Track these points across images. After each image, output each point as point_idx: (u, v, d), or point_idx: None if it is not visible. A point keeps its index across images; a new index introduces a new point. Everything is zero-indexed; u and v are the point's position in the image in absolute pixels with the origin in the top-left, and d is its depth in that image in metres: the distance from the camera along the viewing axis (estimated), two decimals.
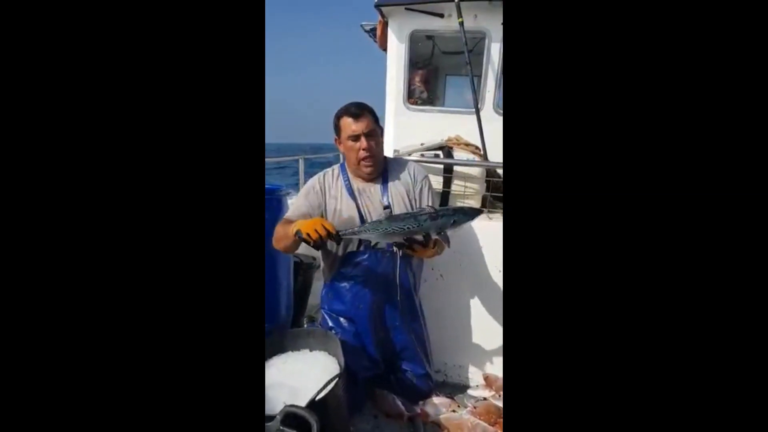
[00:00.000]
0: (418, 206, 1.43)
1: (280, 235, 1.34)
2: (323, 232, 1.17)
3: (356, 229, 1.27)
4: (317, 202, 1.42)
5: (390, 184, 1.43)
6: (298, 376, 1.18)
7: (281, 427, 0.91)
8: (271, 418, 0.94)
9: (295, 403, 0.95)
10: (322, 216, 1.41)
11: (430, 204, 1.42)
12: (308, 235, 1.17)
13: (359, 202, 1.41)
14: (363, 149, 1.35)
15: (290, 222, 1.34)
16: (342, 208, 1.40)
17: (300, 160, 2.85)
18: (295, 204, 1.45)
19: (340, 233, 1.22)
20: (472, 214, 1.29)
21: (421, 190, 1.45)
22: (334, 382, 1.07)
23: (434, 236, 1.25)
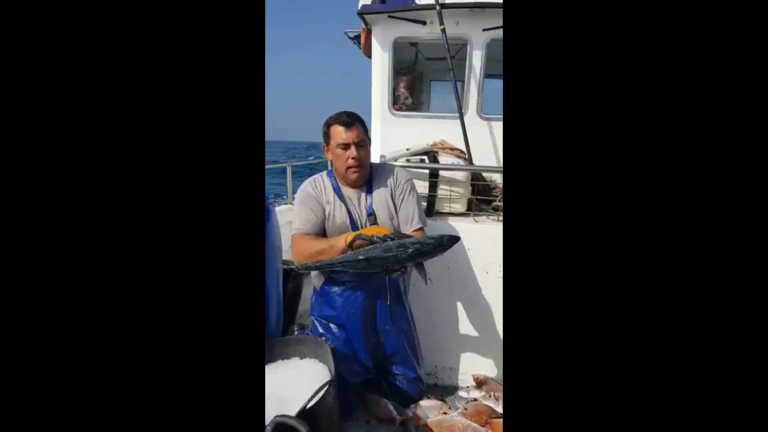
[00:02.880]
0: (399, 209, 1.45)
1: (321, 249, 1.35)
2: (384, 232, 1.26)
3: (329, 261, 1.29)
4: (318, 206, 1.42)
5: (374, 189, 1.45)
6: (288, 386, 1.18)
7: None
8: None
9: (286, 413, 0.96)
10: (324, 220, 1.42)
11: (411, 212, 1.45)
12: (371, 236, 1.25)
13: (350, 208, 1.42)
14: (352, 158, 1.37)
15: (311, 235, 1.39)
16: (335, 214, 1.42)
17: (288, 167, 2.84)
18: (302, 216, 1.42)
19: (312, 266, 1.27)
20: (447, 244, 1.25)
21: (402, 193, 1.46)
22: (325, 389, 1.08)
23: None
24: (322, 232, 1.42)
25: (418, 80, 2.63)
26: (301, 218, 1.42)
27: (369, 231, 1.29)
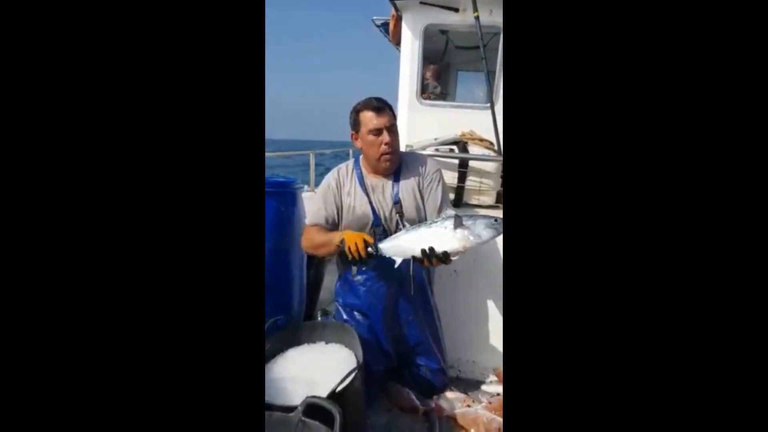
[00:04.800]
0: (427, 199, 1.42)
1: (321, 242, 1.35)
2: (363, 249, 1.19)
3: (390, 239, 1.27)
4: (334, 200, 1.42)
5: (402, 178, 1.43)
6: (314, 369, 1.18)
7: (303, 418, 0.91)
8: (291, 409, 0.94)
9: (315, 395, 0.95)
10: (338, 214, 1.42)
11: (439, 201, 1.41)
12: (349, 248, 1.20)
13: (372, 198, 1.40)
14: (386, 144, 1.34)
15: (320, 227, 1.39)
16: (356, 205, 1.40)
17: (310, 155, 2.84)
18: (315, 206, 1.44)
19: (376, 247, 1.23)
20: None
21: (430, 183, 1.43)
22: (353, 374, 1.07)
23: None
24: (333, 225, 1.42)
25: (445, 70, 2.59)
26: (313, 209, 1.45)
27: (350, 236, 1.25)
